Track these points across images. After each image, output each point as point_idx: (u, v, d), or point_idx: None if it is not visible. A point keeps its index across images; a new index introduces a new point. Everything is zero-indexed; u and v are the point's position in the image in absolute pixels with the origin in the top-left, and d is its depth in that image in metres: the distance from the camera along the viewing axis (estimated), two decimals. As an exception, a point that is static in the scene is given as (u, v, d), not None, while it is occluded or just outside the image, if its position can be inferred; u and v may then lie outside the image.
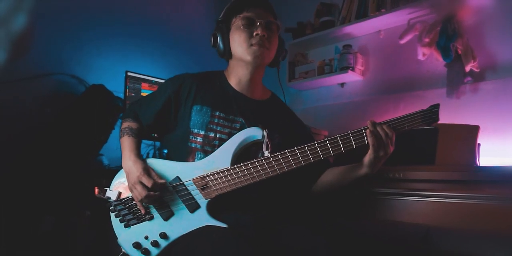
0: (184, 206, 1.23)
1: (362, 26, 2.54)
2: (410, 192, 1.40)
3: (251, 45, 1.34)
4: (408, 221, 1.39)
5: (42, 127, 2.08)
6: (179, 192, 1.25)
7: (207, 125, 1.34)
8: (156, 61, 2.85)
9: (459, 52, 2.03)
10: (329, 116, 2.76)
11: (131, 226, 1.26)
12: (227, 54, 1.41)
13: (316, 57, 2.92)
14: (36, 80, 2.22)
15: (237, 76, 1.43)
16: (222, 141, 1.31)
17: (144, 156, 2.34)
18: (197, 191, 1.23)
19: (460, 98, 2.09)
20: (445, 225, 1.32)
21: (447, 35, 2.03)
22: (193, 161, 1.31)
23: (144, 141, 1.57)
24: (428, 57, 2.20)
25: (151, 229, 1.23)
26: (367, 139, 1.17)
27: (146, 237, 1.22)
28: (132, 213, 1.27)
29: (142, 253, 1.20)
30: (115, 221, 1.28)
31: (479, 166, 1.53)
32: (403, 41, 2.27)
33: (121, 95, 2.25)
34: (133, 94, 2.28)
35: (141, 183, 1.21)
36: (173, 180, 1.26)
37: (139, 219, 1.26)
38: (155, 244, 1.20)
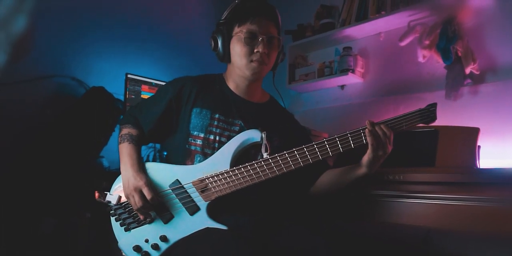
0: (184, 209, 1.23)
1: (362, 28, 2.54)
2: (410, 194, 1.40)
3: (251, 61, 1.34)
4: (408, 223, 1.39)
5: (42, 127, 2.09)
6: (178, 195, 1.25)
7: (206, 128, 1.34)
8: (156, 63, 2.85)
9: (459, 54, 2.03)
10: (329, 118, 2.76)
11: (132, 230, 1.26)
12: (226, 58, 1.41)
13: (316, 59, 2.92)
14: (36, 82, 2.22)
15: (235, 81, 1.43)
16: (221, 144, 1.31)
17: (145, 159, 2.35)
18: (197, 193, 1.23)
19: (460, 100, 2.09)
20: (445, 227, 1.32)
21: (447, 37, 2.03)
22: (193, 163, 1.31)
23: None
24: (428, 59, 2.19)
25: (151, 232, 1.23)
26: (365, 139, 1.17)
27: (147, 240, 1.22)
28: (132, 217, 1.27)
29: (143, 256, 1.21)
30: (116, 225, 1.28)
31: (479, 168, 1.52)
32: (403, 43, 2.27)
33: (121, 97, 2.26)
34: (133, 96, 2.28)
35: (140, 192, 1.21)
36: (172, 183, 1.26)
37: (139, 223, 1.26)
38: (155, 247, 1.20)
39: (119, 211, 1.28)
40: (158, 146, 2.39)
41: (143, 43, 2.79)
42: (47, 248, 1.92)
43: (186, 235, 1.20)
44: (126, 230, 1.26)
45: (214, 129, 1.35)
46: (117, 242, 1.26)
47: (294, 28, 2.94)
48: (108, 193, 1.32)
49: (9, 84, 2.07)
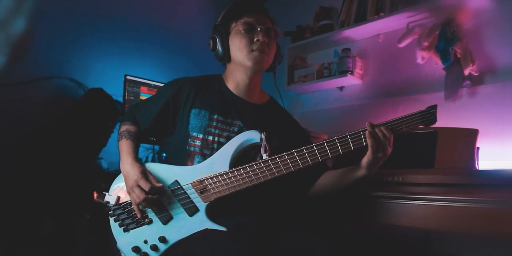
0: (183, 210, 1.23)
1: (361, 29, 2.54)
2: (409, 196, 1.40)
3: (252, 50, 1.35)
4: (407, 224, 1.39)
5: (42, 128, 2.08)
6: (177, 196, 1.24)
7: (205, 129, 1.34)
8: (155, 65, 2.85)
9: (458, 55, 2.03)
10: (328, 120, 2.76)
11: (130, 231, 1.26)
12: (226, 58, 1.41)
13: (315, 60, 2.93)
14: (35, 83, 2.22)
15: (235, 80, 1.44)
16: (220, 145, 1.31)
17: (143, 160, 2.34)
18: (196, 194, 1.23)
19: (459, 101, 2.09)
20: (444, 228, 1.32)
21: (446, 39, 2.03)
22: (192, 164, 1.31)
23: (143, 144, 1.57)
24: (427, 61, 2.20)
25: (150, 233, 1.23)
26: (365, 141, 1.17)
27: (145, 241, 1.22)
28: (131, 218, 1.27)
29: (141, 257, 1.20)
30: (114, 226, 1.28)
31: (478, 170, 1.52)
32: (402, 45, 2.27)
33: (120, 99, 2.25)
34: (132, 98, 2.28)
35: (139, 186, 1.21)
36: (171, 184, 1.26)
37: (138, 223, 1.25)
38: (154, 248, 1.20)
39: (117, 212, 1.28)
40: (157, 147, 2.38)
41: (142, 44, 2.79)
42: (46, 248, 1.92)
43: (185, 236, 1.20)
44: (125, 230, 1.26)
45: (212, 130, 1.35)
46: (116, 242, 1.26)
47: (293, 29, 2.94)
48: (106, 193, 1.32)
49: (8, 85, 2.07)
